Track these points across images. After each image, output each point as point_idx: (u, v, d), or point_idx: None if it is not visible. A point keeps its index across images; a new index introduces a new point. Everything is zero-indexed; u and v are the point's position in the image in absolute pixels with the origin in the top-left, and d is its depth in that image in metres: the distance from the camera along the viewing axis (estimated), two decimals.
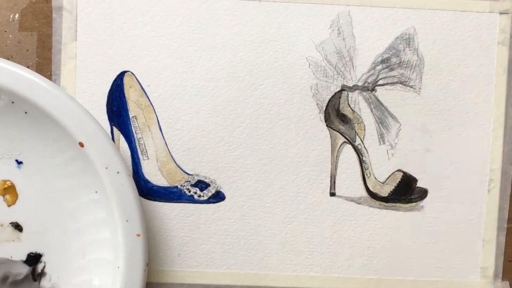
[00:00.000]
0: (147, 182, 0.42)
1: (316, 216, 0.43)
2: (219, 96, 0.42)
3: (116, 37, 0.42)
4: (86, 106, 0.40)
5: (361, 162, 0.43)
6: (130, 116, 0.42)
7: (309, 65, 0.42)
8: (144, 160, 0.42)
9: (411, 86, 0.42)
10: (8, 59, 0.40)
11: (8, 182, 0.41)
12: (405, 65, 0.42)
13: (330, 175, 0.43)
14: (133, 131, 0.42)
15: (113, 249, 0.39)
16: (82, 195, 0.40)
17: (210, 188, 0.42)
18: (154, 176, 0.42)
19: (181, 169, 0.42)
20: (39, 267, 0.41)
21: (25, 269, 0.41)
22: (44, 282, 0.41)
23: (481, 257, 0.43)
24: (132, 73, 0.42)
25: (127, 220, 0.38)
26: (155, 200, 0.42)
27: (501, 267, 0.43)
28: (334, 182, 0.43)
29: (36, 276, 0.41)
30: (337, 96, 0.42)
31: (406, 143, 0.43)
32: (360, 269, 0.43)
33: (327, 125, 0.42)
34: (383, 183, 0.43)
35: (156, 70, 0.42)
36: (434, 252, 0.43)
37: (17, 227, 0.41)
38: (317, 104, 0.42)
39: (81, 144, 0.38)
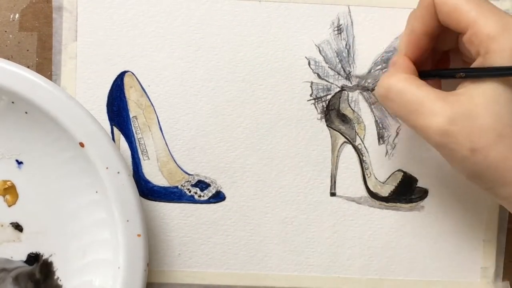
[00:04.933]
0: (147, 182, 0.42)
1: (316, 216, 0.43)
2: (219, 96, 0.42)
3: (116, 37, 0.42)
4: (86, 106, 0.40)
5: (361, 162, 0.43)
6: (131, 116, 0.42)
7: (309, 65, 0.42)
8: (144, 160, 0.42)
9: None
10: (8, 59, 0.40)
11: (8, 182, 0.41)
12: None
13: (330, 175, 0.43)
14: (134, 131, 0.42)
15: (114, 249, 0.39)
16: (82, 195, 0.40)
17: (211, 188, 0.42)
18: (155, 176, 0.42)
19: (181, 169, 0.42)
20: (40, 267, 0.41)
21: (25, 270, 0.41)
22: (44, 282, 0.41)
23: (481, 257, 0.43)
24: (132, 73, 0.42)
25: (128, 220, 0.38)
26: (155, 200, 0.42)
27: (502, 267, 0.43)
28: (335, 182, 0.43)
29: (36, 276, 0.41)
30: (337, 96, 0.42)
31: (406, 143, 0.42)
32: (360, 269, 0.43)
33: (327, 125, 0.42)
34: (383, 183, 0.43)
35: (156, 70, 0.42)
36: (434, 252, 0.43)
37: (18, 227, 0.41)
38: (317, 104, 0.42)
39: (82, 144, 0.38)
